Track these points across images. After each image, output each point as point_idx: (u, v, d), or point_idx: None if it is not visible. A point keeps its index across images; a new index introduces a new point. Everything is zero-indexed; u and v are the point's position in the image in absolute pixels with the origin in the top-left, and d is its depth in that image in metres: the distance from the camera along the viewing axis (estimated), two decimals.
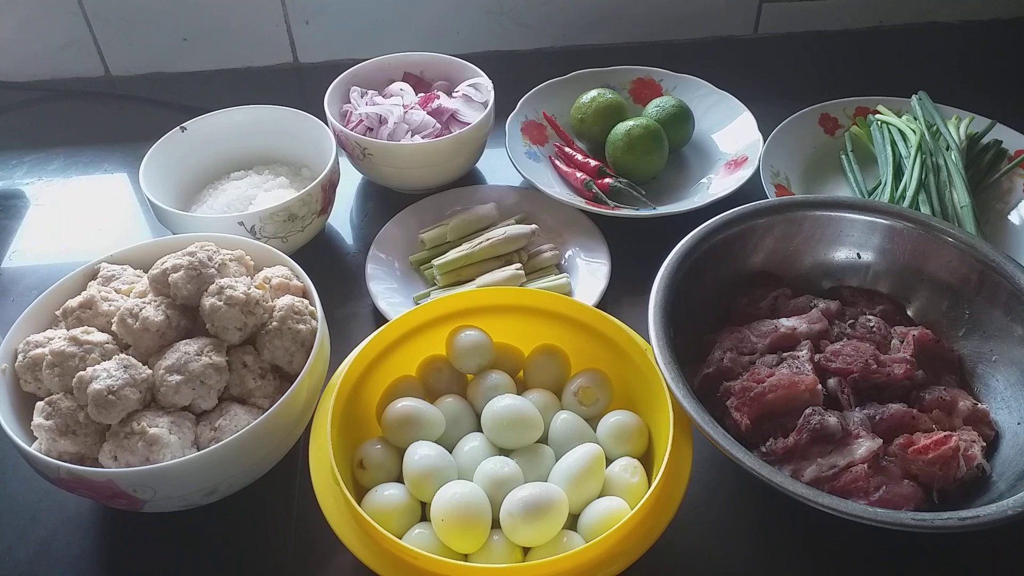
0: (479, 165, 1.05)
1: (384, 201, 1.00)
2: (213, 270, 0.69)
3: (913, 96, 0.99)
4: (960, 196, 0.86)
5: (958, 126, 0.95)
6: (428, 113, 0.97)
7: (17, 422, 0.66)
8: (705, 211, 0.84)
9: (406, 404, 0.67)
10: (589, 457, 0.64)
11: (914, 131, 0.93)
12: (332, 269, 0.94)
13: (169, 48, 1.19)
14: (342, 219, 1.01)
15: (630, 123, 0.96)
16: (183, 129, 0.94)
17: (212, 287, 0.68)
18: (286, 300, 0.70)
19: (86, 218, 1.02)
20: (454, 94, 1.01)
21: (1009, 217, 0.92)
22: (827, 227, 0.78)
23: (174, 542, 0.70)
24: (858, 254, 0.79)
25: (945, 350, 0.74)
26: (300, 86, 1.21)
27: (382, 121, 0.96)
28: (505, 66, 1.17)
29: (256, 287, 0.70)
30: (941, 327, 0.76)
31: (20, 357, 0.68)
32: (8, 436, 0.64)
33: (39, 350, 0.67)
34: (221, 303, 0.67)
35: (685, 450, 0.62)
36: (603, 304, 0.85)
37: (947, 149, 0.91)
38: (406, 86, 1.01)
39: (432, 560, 0.56)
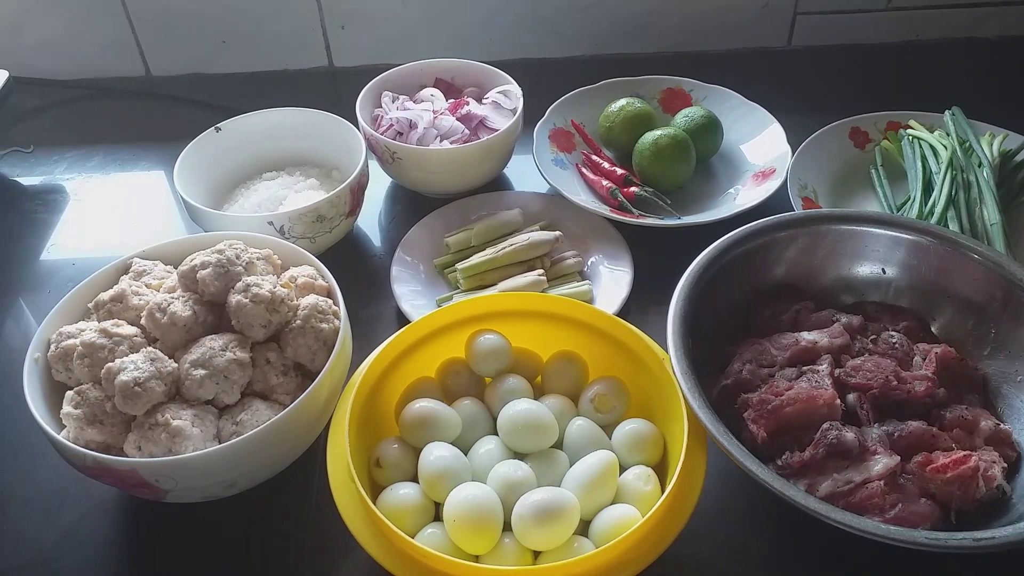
0: (507, 171, 1.06)
1: (412, 205, 1.01)
2: (240, 268, 0.71)
3: (946, 111, 0.98)
4: (991, 213, 0.85)
5: (991, 143, 0.94)
6: (457, 119, 0.98)
7: (47, 410, 0.68)
8: (730, 222, 0.84)
9: (423, 405, 0.68)
10: (602, 464, 0.64)
11: (945, 147, 0.92)
12: (359, 270, 0.95)
13: (208, 50, 1.22)
14: (371, 221, 1.02)
15: (658, 132, 0.96)
16: (218, 129, 0.96)
17: (239, 284, 0.70)
18: (310, 299, 0.71)
19: (123, 214, 1.05)
20: (484, 101, 1.02)
21: None
22: (851, 241, 0.77)
23: (195, 532, 0.72)
24: (883, 269, 0.78)
25: (969, 368, 0.73)
26: (335, 90, 1.23)
27: (412, 126, 0.97)
28: (537, 74, 1.19)
29: (282, 286, 0.71)
30: (966, 345, 0.75)
31: (52, 347, 0.70)
32: (38, 423, 0.66)
33: (71, 341, 0.69)
34: (247, 300, 0.68)
35: (699, 460, 0.62)
36: (626, 313, 0.85)
37: (979, 166, 0.90)
38: (437, 92, 1.02)
39: (442, 560, 0.56)
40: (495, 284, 0.88)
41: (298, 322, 0.70)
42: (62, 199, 1.07)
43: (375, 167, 1.00)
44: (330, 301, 0.73)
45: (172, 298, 0.70)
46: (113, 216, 1.04)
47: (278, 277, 0.75)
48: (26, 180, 1.10)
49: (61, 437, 0.65)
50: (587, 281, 0.89)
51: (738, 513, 0.71)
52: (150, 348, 0.67)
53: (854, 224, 0.77)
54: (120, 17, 1.18)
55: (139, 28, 1.20)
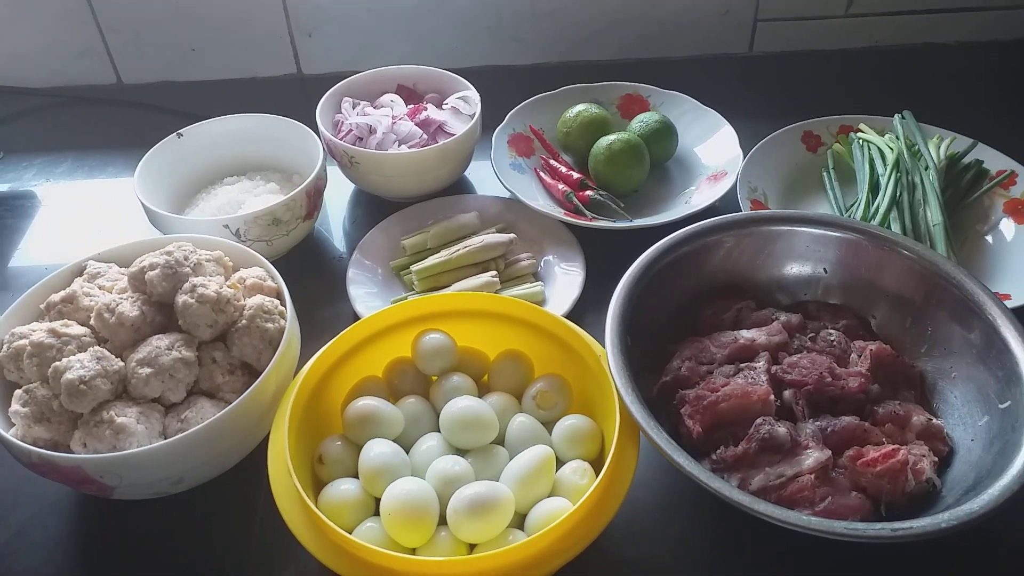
0: (469, 175, 1.07)
1: (373, 208, 1.03)
2: (188, 269, 0.72)
3: (896, 115, 1.00)
4: (933, 214, 0.86)
5: (939, 146, 0.95)
6: (416, 124, 1.00)
7: None
8: (679, 224, 0.84)
9: (366, 403, 0.69)
10: (539, 458, 0.65)
11: (892, 149, 0.93)
12: (318, 272, 0.97)
13: (178, 58, 1.24)
14: (335, 224, 1.04)
15: (612, 137, 0.98)
16: (180, 135, 0.98)
17: (186, 285, 0.71)
18: (256, 300, 0.73)
19: (89, 219, 1.06)
20: (443, 106, 1.03)
21: (987, 237, 0.92)
22: (786, 241, 0.79)
23: (145, 529, 0.73)
24: (824, 269, 0.80)
25: (905, 366, 0.75)
26: (303, 96, 1.24)
27: (371, 131, 0.99)
28: (502, 81, 1.21)
29: (229, 286, 0.73)
30: (904, 343, 0.77)
31: (4, 347, 0.71)
32: None
33: (22, 341, 0.70)
34: (193, 300, 0.70)
35: (630, 454, 0.64)
36: (579, 313, 0.87)
37: (925, 168, 0.92)
38: (396, 97, 1.04)
39: (375, 552, 0.58)
40: (449, 285, 0.89)
41: (243, 322, 0.71)
42: (30, 205, 1.08)
43: (339, 172, 1.02)
44: (277, 302, 0.74)
45: (121, 298, 0.72)
46: (80, 222, 1.06)
47: (227, 279, 0.76)
48: None
49: (9, 435, 0.66)
50: (540, 282, 0.90)
51: (682, 510, 0.72)
52: (97, 347, 0.69)
53: (790, 225, 0.78)
54: (91, 26, 1.20)
55: (109, 37, 1.21)
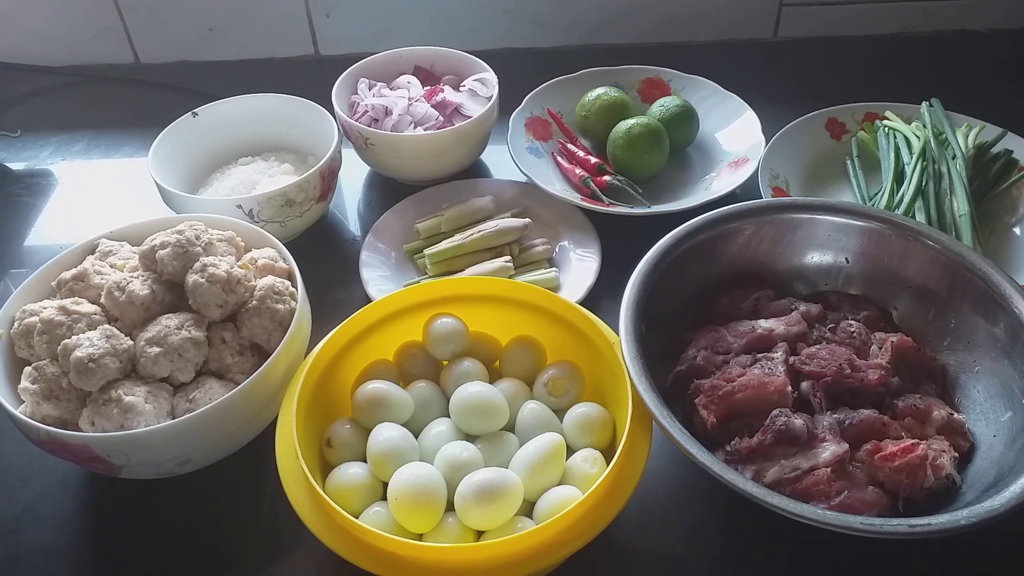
0: (485, 159, 1.06)
1: (388, 191, 1.02)
2: (199, 248, 0.72)
3: (923, 103, 0.98)
4: (960, 205, 0.84)
5: (967, 134, 0.93)
6: (432, 106, 0.98)
7: (9, 386, 0.70)
8: (698, 211, 0.83)
9: (375, 386, 0.69)
10: (549, 446, 0.64)
11: (918, 137, 0.91)
12: (332, 254, 0.96)
13: (196, 38, 1.23)
14: (349, 207, 1.03)
15: (631, 122, 0.96)
16: (195, 115, 0.97)
17: (196, 265, 0.70)
18: (267, 280, 0.72)
19: (105, 198, 1.06)
20: (460, 88, 1.02)
21: (1015, 229, 0.90)
22: (800, 229, 0.77)
23: (153, 509, 0.73)
24: (846, 259, 0.78)
25: (927, 359, 0.73)
26: (320, 77, 1.22)
27: (387, 112, 0.98)
28: (520, 63, 1.19)
29: (240, 267, 0.72)
30: (927, 336, 0.75)
31: (16, 324, 0.71)
32: None
33: (32, 318, 0.70)
34: (203, 280, 0.69)
35: (642, 443, 0.63)
36: (593, 299, 0.86)
37: (952, 157, 0.89)
38: (413, 79, 1.03)
39: (381, 537, 0.57)
40: (463, 270, 0.88)
41: (254, 302, 0.71)
42: (46, 183, 1.08)
43: (354, 154, 1.01)
44: (288, 283, 0.74)
45: (131, 277, 0.71)
46: (95, 200, 1.06)
47: (238, 259, 0.76)
48: (12, 164, 1.11)
49: (18, 412, 0.66)
50: (554, 268, 0.89)
51: (695, 500, 0.71)
52: (107, 326, 0.68)
53: (811, 212, 0.76)
54: (109, 5, 1.20)
55: (127, 16, 1.21)
